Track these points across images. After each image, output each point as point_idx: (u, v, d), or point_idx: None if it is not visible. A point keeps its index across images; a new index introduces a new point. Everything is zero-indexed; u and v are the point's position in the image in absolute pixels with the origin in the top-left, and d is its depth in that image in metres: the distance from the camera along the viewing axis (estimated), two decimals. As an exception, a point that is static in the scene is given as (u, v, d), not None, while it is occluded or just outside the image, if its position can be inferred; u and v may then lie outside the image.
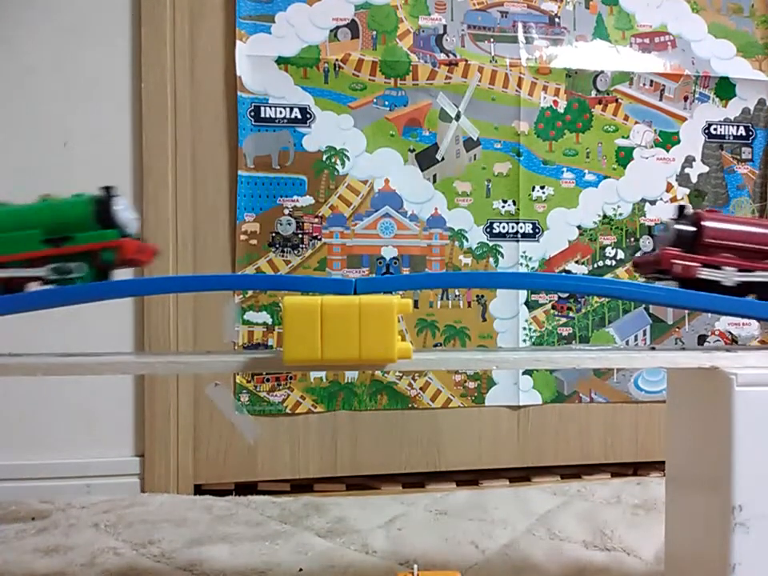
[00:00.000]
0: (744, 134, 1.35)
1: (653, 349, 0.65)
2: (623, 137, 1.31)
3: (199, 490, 1.20)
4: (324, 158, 1.22)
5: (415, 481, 1.26)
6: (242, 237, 1.20)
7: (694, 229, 0.59)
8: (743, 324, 1.36)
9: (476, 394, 1.27)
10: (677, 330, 1.34)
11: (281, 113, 1.21)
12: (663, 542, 0.68)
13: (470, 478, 1.26)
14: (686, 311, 1.33)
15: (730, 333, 1.35)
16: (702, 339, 1.34)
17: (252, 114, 1.20)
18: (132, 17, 1.18)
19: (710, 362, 0.59)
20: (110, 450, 1.19)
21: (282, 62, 1.19)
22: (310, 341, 0.51)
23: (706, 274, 0.58)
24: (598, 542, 0.92)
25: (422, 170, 1.25)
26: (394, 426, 1.25)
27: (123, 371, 0.55)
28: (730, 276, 0.58)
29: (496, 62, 1.26)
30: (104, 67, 1.18)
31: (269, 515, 1.04)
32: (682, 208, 0.60)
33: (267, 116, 1.20)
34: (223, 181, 1.20)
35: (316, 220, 1.22)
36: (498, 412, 1.28)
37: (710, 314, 1.35)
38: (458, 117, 1.25)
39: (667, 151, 1.33)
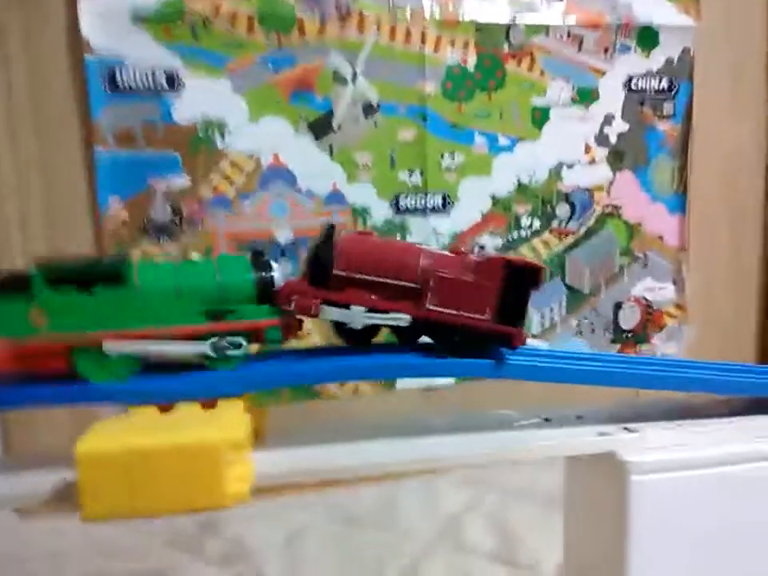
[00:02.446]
0: (666, 87, 1.25)
1: (546, 420, 0.57)
2: (539, 95, 1.19)
3: None
4: (199, 130, 1.04)
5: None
6: (109, 226, 1.03)
7: (326, 256, 0.49)
8: (658, 288, 1.32)
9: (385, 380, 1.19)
10: (593, 298, 1.29)
11: (142, 78, 1.01)
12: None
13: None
14: (601, 283, 1.28)
15: (645, 298, 1.32)
16: (618, 306, 1.30)
17: (106, 81, 1.00)
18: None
19: (607, 447, 0.53)
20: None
21: (137, 18, 0.98)
22: (115, 495, 0.40)
23: (328, 313, 0.48)
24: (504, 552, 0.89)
25: (317, 140, 1.09)
26: (301, 422, 1.17)
27: None
28: (355, 317, 0.48)
29: (396, 13, 1.08)
30: None
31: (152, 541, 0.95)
32: (331, 228, 0.49)
33: (125, 83, 1.00)
34: (77, 162, 1.02)
35: (195, 203, 1.06)
36: (409, 395, 1.22)
37: (626, 280, 1.31)
38: (354, 78, 1.09)
39: (586, 109, 1.22)
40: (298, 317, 0.50)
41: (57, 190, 1.01)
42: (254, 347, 0.51)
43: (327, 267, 0.48)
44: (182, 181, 1.05)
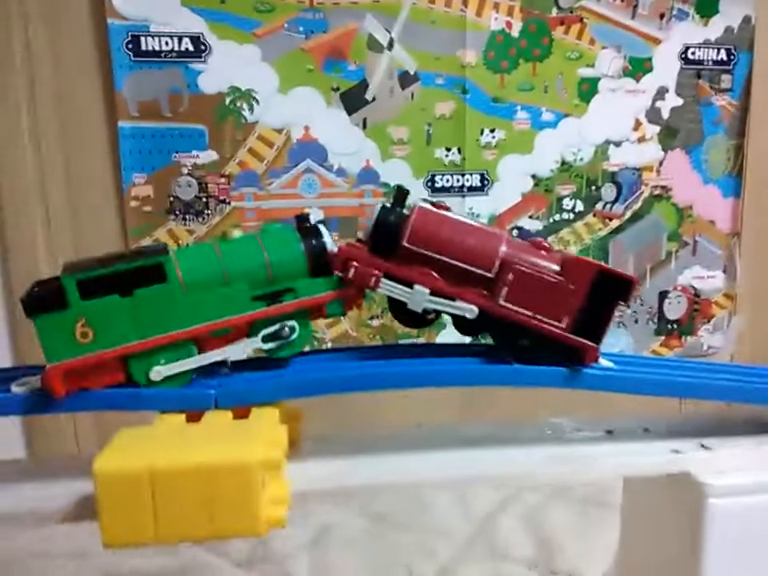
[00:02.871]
0: (725, 58, 1.16)
1: (609, 433, 0.52)
2: (588, 65, 1.10)
3: None
4: (227, 101, 0.98)
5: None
6: (133, 203, 0.99)
7: (395, 224, 0.43)
8: (707, 277, 1.25)
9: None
10: (637, 288, 1.22)
11: (167, 44, 0.95)
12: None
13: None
14: (646, 270, 1.21)
15: (693, 287, 1.24)
16: (663, 295, 1.23)
17: (130, 46, 0.94)
18: None
19: (681, 466, 0.47)
20: None
21: (160, -23, 0.92)
22: (138, 518, 0.36)
23: (388, 288, 0.43)
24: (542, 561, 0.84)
25: (349, 114, 1.03)
26: (334, 416, 1.13)
27: None
28: (416, 298, 0.43)
29: (436, -26, 1.01)
30: None
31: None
32: (403, 193, 0.44)
33: (150, 48, 0.95)
34: (101, 135, 0.97)
35: (222, 180, 1.01)
36: (452, 394, 1.17)
37: (673, 267, 1.23)
38: (390, 45, 1.02)
39: (637, 81, 1.13)
40: (358, 287, 0.44)
41: (78, 166, 0.97)
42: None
43: (395, 237, 0.42)
44: (208, 156, 1.00)
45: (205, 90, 0.97)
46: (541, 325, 0.43)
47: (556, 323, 0.43)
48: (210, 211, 1.01)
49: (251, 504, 0.36)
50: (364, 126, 1.04)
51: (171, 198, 1.00)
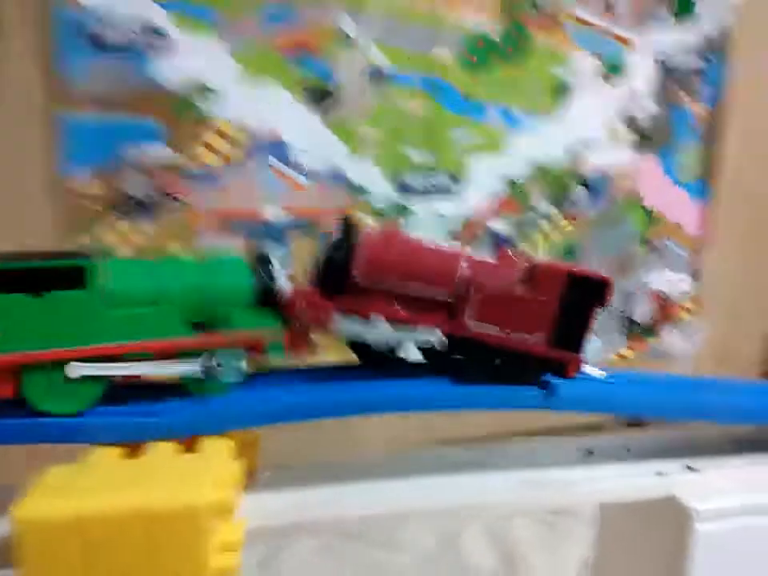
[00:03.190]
0: (700, 64, 1.15)
1: (590, 453, 0.49)
2: (562, 65, 1.08)
3: None
4: (184, 95, 0.93)
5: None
6: (75, 199, 0.92)
7: (342, 258, 0.40)
8: (676, 281, 1.24)
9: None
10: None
11: (122, 34, 0.89)
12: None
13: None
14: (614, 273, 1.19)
15: (661, 291, 1.23)
16: (630, 299, 1.22)
17: (80, 34, 0.87)
18: None
19: (667, 490, 0.45)
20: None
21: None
22: (66, 572, 0.31)
23: (342, 323, 0.40)
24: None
25: (316, 110, 0.98)
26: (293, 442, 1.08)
27: None
28: (377, 331, 0.40)
29: (408, -33, 0.97)
30: None
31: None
32: (348, 223, 0.41)
33: (102, 38, 0.88)
34: (42, 125, 0.89)
35: (176, 177, 0.95)
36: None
37: (641, 271, 1.22)
38: (361, 41, 0.98)
39: (612, 85, 1.11)
40: (307, 329, 0.41)
41: (12, 157, 0.89)
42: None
43: (344, 271, 0.40)
44: (162, 151, 0.94)
45: (160, 81, 0.91)
46: (514, 342, 0.40)
47: (530, 338, 0.40)
48: (162, 210, 0.95)
49: (198, 554, 0.31)
50: (331, 124, 0.99)
51: (120, 195, 0.93)
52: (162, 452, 0.35)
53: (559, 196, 1.13)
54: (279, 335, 0.39)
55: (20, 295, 0.35)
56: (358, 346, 0.41)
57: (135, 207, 0.94)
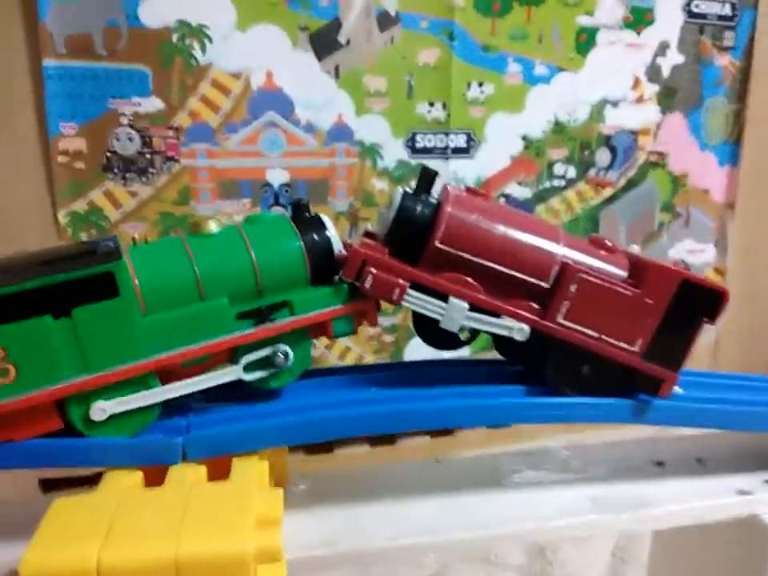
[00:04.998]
0: (729, 13, 1.06)
1: (660, 465, 0.42)
2: (587, 13, 0.99)
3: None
4: (174, 38, 0.83)
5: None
6: (61, 158, 0.83)
7: (423, 219, 0.34)
8: (699, 251, 1.17)
9: (393, 348, 1.03)
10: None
11: (99, -35, 0.79)
12: None
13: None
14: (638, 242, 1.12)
15: (683, 262, 1.16)
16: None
17: (51, -35, 0.77)
18: None
19: (749, 509, 0.38)
20: None
21: None
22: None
23: (416, 302, 0.33)
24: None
25: (319, 59, 0.89)
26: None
27: None
28: (452, 314, 0.33)
29: None
30: None
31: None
32: (430, 175, 0.35)
33: (77, -30, 0.78)
34: (22, 76, 0.80)
35: (170, 133, 0.86)
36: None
37: (665, 240, 1.15)
38: (368, -20, 0.88)
39: (638, 34, 1.03)
40: (376, 300, 0.34)
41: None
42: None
43: (424, 235, 0.33)
44: (152, 104, 0.84)
45: (147, 23, 0.82)
46: (609, 348, 0.33)
47: (627, 346, 0.34)
48: (155, 169, 0.86)
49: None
50: (336, 74, 0.90)
51: (108, 153, 0.84)
52: (188, 479, 0.28)
53: (582, 159, 1.05)
54: (345, 311, 0.33)
55: (45, 319, 0.29)
56: (423, 321, 0.34)
57: (127, 167, 0.85)
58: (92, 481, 0.31)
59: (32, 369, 0.29)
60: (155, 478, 0.30)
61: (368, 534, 0.35)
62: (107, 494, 0.28)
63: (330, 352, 1.00)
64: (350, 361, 1.01)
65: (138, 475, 0.30)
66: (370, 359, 1.01)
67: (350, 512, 0.37)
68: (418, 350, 1.04)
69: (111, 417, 0.30)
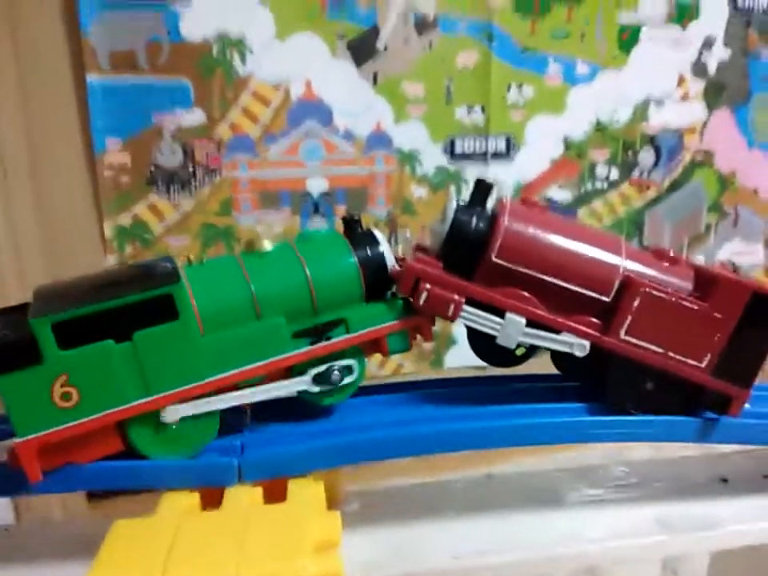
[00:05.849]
0: (779, 4, 1.03)
1: (724, 482, 0.41)
2: (629, 9, 0.96)
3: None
4: (214, 51, 0.84)
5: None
6: (107, 173, 0.84)
7: (478, 233, 0.33)
8: (748, 252, 1.13)
9: (433, 356, 1.03)
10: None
11: (140, -19, 0.80)
12: None
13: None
14: (683, 244, 1.09)
15: (732, 263, 1.13)
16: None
17: (95, -17, 0.78)
18: None
19: None
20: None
21: None
22: None
23: (472, 318, 0.33)
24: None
25: (357, 66, 0.89)
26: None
27: None
28: (510, 331, 0.32)
29: None
30: None
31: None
32: (482, 185, 0.34)
33: (119, -13, 0.79)
34: (66, 92, 0.81)
35: (212, 145, 0.87)
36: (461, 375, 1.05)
37: (712, 241, 1.12)
38: (406, -15, 0.87)
39: (683, 29, 1.00)
40: (432, 316, 0.34)
41: (41, 127, 0.82)
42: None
43: (479, 249, 0.32)
44: (194, 116, 0.85)
45: (188, 37, 0.82)
46: (674, 365, 0.32)
47: (694, 362, 0.32)
48: (197, 182, 0.87)
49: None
50: (374, 81, 0.90)
51: (152, 167, 0.85)
52: (244, 501, 0.28)
53: (625, 160, 1.03)
54: (400, 327, 0.33)
55: (107, 344, 0.29)
56: (478, 336, 0.33)
57: (170, 180, 0.86)
58: (135, 491, 0.31)
59: (94, 393, 0.30)
60: (212, 499, 0.30)
61: (425, 555, 0.35)
62: (166, 517, 0.28)
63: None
64: (388, 369, 1.00)
65: (195, 497, 0.30)
66: (409, 367, 1.01)
67: (404, 532, 0.37)
68: (458, 358, 1.03)
69: (171, 437, 0.31)
